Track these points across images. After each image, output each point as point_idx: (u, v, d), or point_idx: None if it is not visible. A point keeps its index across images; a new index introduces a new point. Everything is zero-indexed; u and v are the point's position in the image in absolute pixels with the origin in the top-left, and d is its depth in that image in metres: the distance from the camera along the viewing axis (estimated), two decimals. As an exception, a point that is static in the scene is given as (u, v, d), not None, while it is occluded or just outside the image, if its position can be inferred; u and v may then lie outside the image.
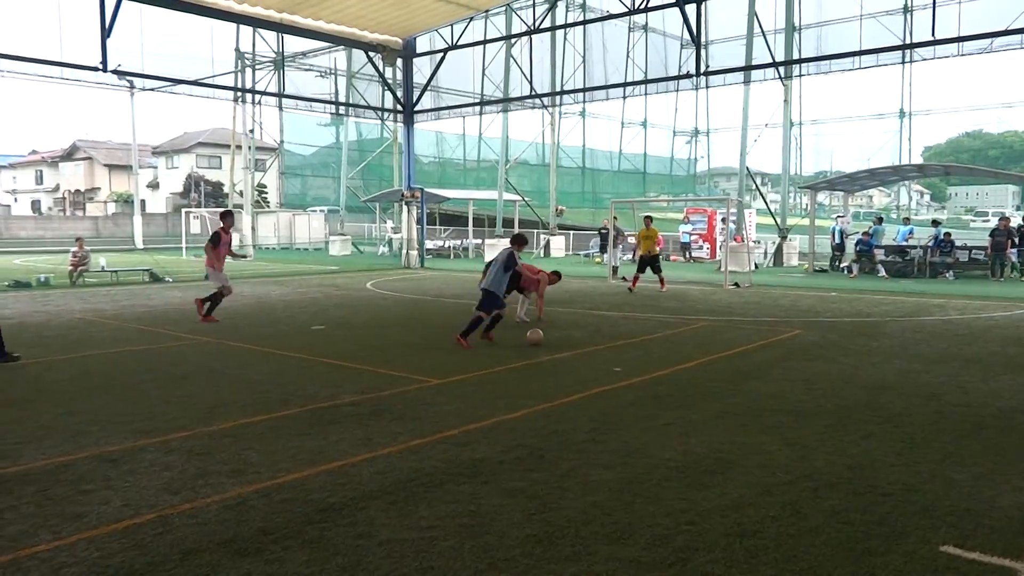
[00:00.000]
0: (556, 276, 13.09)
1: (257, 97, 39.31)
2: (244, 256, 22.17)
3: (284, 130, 45.78)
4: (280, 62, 39.54)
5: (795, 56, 28.32)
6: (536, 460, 5.21)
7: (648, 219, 18.29)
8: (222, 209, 22.48)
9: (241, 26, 33.54)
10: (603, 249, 28.44)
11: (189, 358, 9.28)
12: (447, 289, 18.64)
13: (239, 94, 38.22)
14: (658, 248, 18.53)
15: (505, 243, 30.61)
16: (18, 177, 77.20)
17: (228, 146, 46.88)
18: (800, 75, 28.57)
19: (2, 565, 3.63)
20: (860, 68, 23.84)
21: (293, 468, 5.03)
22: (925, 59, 23.86)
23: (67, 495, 4.54)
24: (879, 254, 22.63)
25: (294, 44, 38.25)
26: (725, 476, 4.89)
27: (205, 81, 30.60)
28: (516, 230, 37.00)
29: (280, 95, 38.13)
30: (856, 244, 23.02)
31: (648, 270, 17.68)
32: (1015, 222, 22.08)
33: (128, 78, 27.27)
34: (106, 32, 18.83)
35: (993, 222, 21.85)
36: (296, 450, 5.43)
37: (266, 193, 50.98)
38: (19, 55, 20.78)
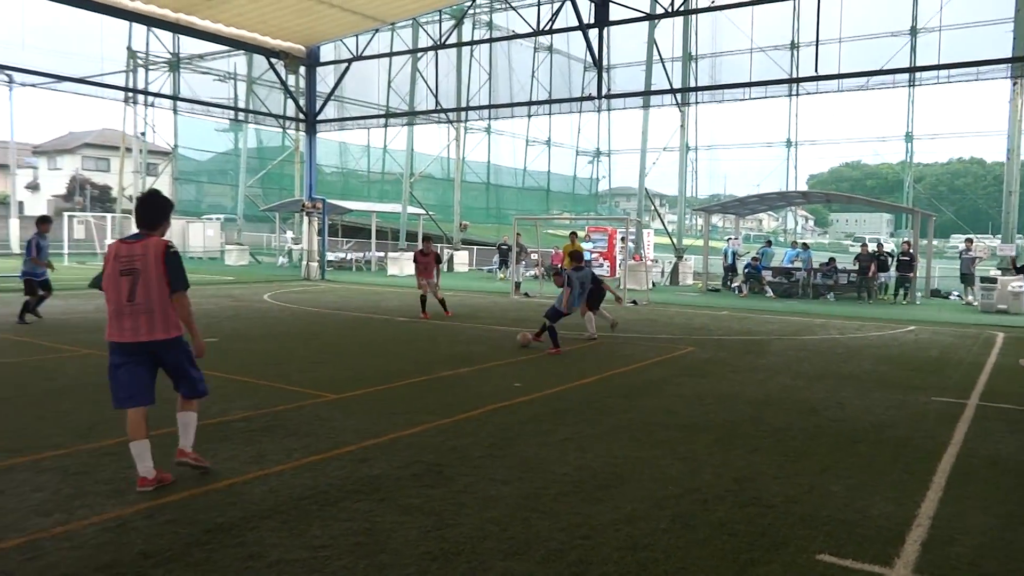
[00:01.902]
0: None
1: (150, 99, 37.68)
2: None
3: (179, 134, 43.96)
4: (175, 63, 38.10)
5: (691, 84, 29.57)
6: (434, 476, 5.19)
7: (573, 235, 19.32)
8: (106, 214, 21.44)
9: (134, 24, 32.09)
10: (503, 265, 28.67)
11: (68, 372, 8.76)
12: (348, 302, 18.33)
13: (130, 95, 36.53)
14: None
15: (409, 256, 30.36)
16: None
17: (117, 148, 44.63)
18: (696, 102, 29.82)
19: None
20: (751, 99, 25.12)
21: (179, 487, 4.82)
22: (809, 93, 25.38)
23: (-77, 520, 4.20)
24: (767, 275, 23.77)
25: (191, 46, 36.91)
26: (619, 490, 5.00)
27: (93, 79, 29.11)
28: (419, 244, 36.79)
29: (175, 97, 36.68)
30: (745, 267, 24.11)
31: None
32: (871, 247, 23.64)
33: (6, 71, 25.63)
34: (-17, 22, 17.66)
35: (871, 247, 23.40)
36: (182, 468, 5.19)
37: (158, 199, 48.72)
38: None
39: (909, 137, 32.23)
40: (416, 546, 4.01)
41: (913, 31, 28.93)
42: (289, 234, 38.76)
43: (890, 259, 22.86)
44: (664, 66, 27.69)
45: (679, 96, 27.20)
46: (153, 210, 4.97)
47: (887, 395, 8.37)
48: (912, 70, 24.35)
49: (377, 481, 5.05)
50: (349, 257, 34.47)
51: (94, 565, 3.70)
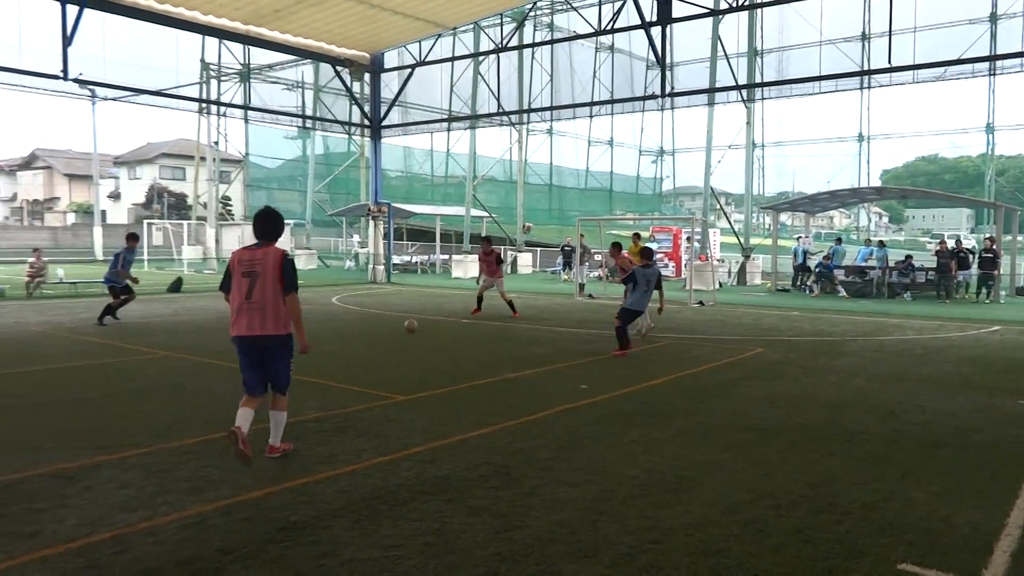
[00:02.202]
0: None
1: (222, 109, 38.92)
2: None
3: (249, 142, 45.26)
4: (246, 74, 39.25)
5: (757, 80, 28.94)
6: (502, 478, 5.20)
7: (636, 236, 19.52)
8: (183, 221, 22.37)
9: (207, 37, 33.22)
10: (567, 266, 28.61)
11: (149, 373, 9.11)
12: (414, 305, 18.56)
13: (204, 105, 37.79)
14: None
15: (473, 258, 30.58)
16: (-27, 185, 75.26)
17: (192, 157, 46.21)
18: (762, 98, 29.18)
19: (-51, 587, 3.52)
20: (820, 93, 24.45)
21: (254, 485, 4.95)
22: (882, 85, 24.60)
23: (19, 513, 4.42)
24: (839, 274, 23.08)
25: (261, 56, 37.95)
26: (689, 494, 4.92)
27: (169, 91, 30.21)
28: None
29: (246, 107, 37.80)
30: (816, 266, 23.46)
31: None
32: (950, 244, 22.67)
33: (89, 87, 26.88)
34: (67, 40, 18.53)
35: (950, 244, 22.46)
36: (258, 467, 5.34)
37: (231, 205, 50.35)
38: (-23, 61, 20.38)
39: (990, 128, 30.88)
40: (485, 547, 4.03)
41: (993, 17, 27.69)
42: (355, 238, 39.50)
43: (971, 256, 21.92)
44: (729, 62, 27.16)
45: (745, 92, 26.66)
46: (270, 224, 5.70)
47: (971, 398, 8.02)
48: (993, 58, 23.30)
49: (446, 482, 5.09)
50: (414, 260, 34.93)
51: (176, 560, 3.83)
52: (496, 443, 6.08)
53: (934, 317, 16.58)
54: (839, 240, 25.78)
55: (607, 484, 5.08)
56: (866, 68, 26.37)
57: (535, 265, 35.33)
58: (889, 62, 18.73)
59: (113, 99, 36.18)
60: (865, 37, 29.94)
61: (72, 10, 18.32)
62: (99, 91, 35.37)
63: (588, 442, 6.15)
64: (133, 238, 14.51)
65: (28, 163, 70.11)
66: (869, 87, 29.76)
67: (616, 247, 15.20)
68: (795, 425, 6.81)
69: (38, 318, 14.64)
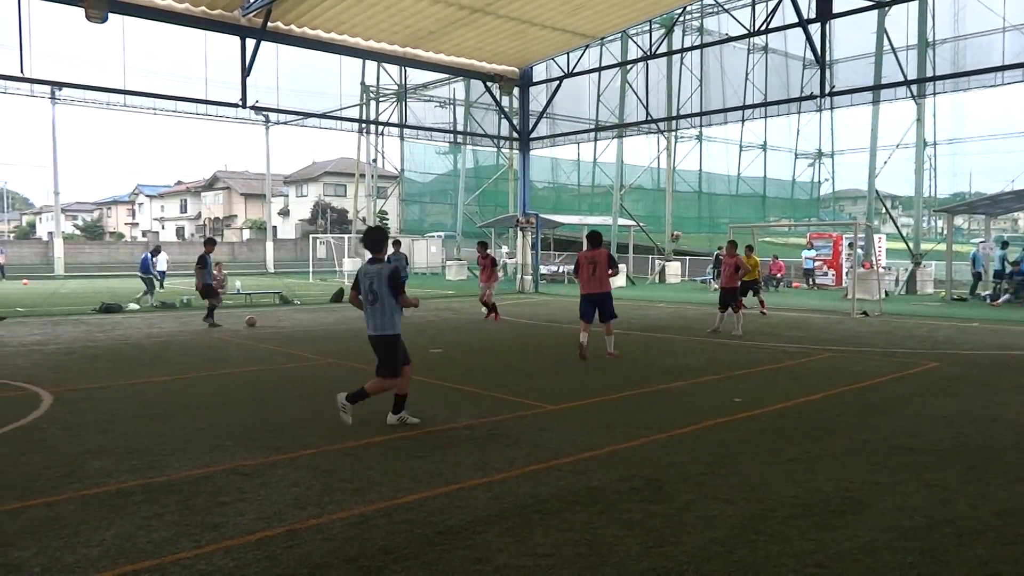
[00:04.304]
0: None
1: (380, 128, 40.98)
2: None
3: (405, 159, 47.41)
4: (402, 94, 41.15)
5: (929, 73, 26.84)
6: (654, 491, 5.11)
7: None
8: (343, 235, 23.77)
9: (367, 61, 35.13)
10: (718, 275, 27.74)
11: (315, 378, 9.70)
12: (561, 315, 18.65)
13: (364, 125, 39.97)
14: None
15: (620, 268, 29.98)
16: (165, 206, 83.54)
17: (353, 175, 49.03)
18: (934, 93, 27.03)
19: (148, 570, 3.89)
20: (1002, 84, 22.37)
21: (412, 489, 5.15)
22: (1079, 72, 22.08)
23: (206, 506, 4.83)
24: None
25: (415, 76, 39.70)
26: (856, 517, 4.63)
27: (333, 114, 32.21)
28: (631, 255, 36.89)
29: (402, 125, 39.62)
30: (1009, 274, 21.43)
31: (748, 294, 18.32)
32: None
33: (264, 113, 29.13)
34: (246, 71, 20.18)
35: None
36: (415, 471, 5.55)
37: (387, 219, 52.84)
38: (170, 95, 22.64)
39: None
40: (639, 561, 3.97)
41: None
42: (504, 248, 40.27)
43: None
44: (896, 56, 25.40)
45: (915, 88, 24.83)
46: (598, 239, 11.12)
47: None
48: None
49: (596, 493, 5.07)
50: (561, 270, 35.11)
51: (342, 556, 4.05)
52: (647, 456, 5.99)
53: None
54: (1027, 246, 23.41)
55: (765, 503, 4.88)
56: (1058, 54, 23.81)
57: (684, 274, 34.56)
58: (1086, 46, 16.85)
59: (284, 123, 39.04)
60: (1057, 20, 27.04)
61: (250, 44, 19.95)
62: (272, 116, 38.27)
63: (743, 458, 5.93)
64: (396, 244, 18.03)
65: (210, 184, 76.94)
66: (1062, 75, 26.85)
67: (733, 245, 14.96)
68: (977, 447, 6.24)
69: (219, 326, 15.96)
